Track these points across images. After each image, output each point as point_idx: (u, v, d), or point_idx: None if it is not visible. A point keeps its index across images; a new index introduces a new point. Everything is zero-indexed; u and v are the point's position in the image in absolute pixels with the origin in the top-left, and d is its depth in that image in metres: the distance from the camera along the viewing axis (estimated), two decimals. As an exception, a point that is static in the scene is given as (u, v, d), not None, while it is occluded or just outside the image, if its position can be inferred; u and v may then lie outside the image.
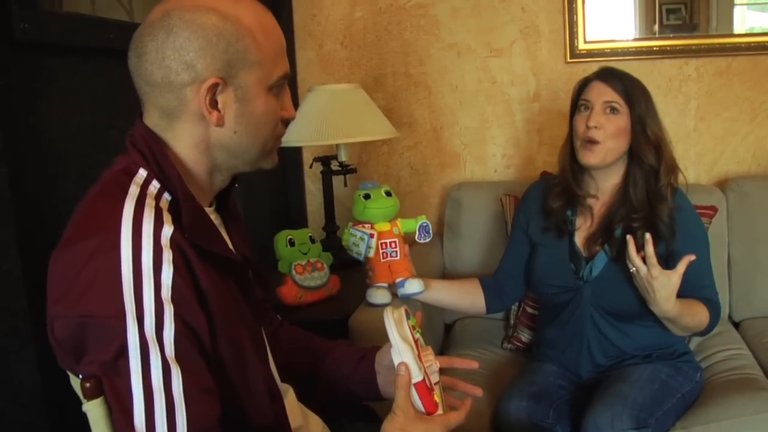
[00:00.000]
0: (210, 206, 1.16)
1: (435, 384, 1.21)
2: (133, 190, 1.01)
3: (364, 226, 1.88)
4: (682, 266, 1.65)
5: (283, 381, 1.29)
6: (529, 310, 2.25)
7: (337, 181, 2.45)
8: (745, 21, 2.59)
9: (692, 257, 1.66)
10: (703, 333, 1.86)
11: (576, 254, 1.89)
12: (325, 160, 2.41)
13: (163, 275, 0.95)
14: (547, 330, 1.98)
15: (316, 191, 2.76)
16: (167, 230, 0.98)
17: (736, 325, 2.37)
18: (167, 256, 0.96)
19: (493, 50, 2.65)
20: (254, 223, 2.37)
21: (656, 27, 2.59)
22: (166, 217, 1.00)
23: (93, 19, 1.64)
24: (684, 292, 1.69)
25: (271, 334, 1.41)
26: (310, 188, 2.82)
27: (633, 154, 1.83)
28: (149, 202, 1.00)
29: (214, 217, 1.15)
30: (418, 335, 1.24)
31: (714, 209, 2.26)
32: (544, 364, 1.94)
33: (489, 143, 2.71)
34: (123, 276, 0.93)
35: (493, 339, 2.31)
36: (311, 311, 2.01)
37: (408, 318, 1.23)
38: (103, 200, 1.02)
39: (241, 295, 1.13)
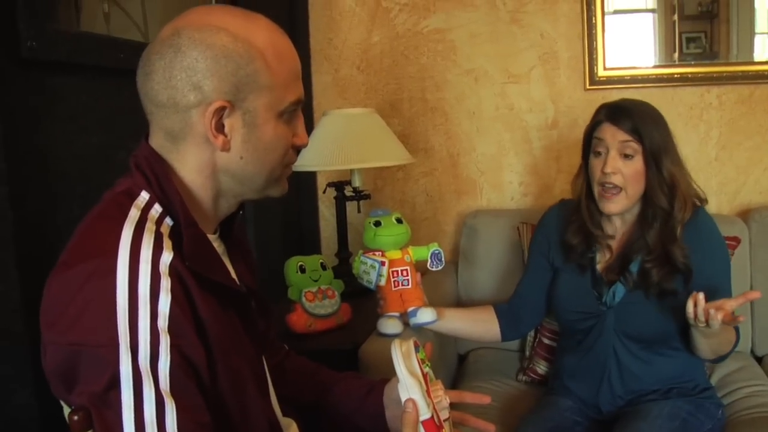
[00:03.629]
0: (214, 233, 1.12)
1: (445, 421, 1.16)
2: (134, 213, 0.98)
3: (375, 254, 1.84)
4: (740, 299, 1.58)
5: (285, 415, 1.24)
6: (546, 341, 2.19)
7: (351, 206, 2.41)
8: (766, 50, 2.53)
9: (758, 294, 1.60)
10: (725, 356, 1.79)
11: (598, 281, 1.85)
12: (339, 186, 2.38)
13: (161, 304, 0.91)
14: (566, 358, 1.92)
15: (330, 217, 2.73)
16: (166, 257, 0.94)
17: (759, 359, 2.29)
18: (165, 283, 0.92)
19: (511, 76, 2.62)
20: (266, 249, 2.34)
21: (676, 55, 2.55)
22: (167, 243, 0.96)
23: (102, 38, 1.62)
24: None
25: (277, 364, 1.38)
26: (324, 214, 2.79)
27: (646, 196, 1.78)
28: (149, 227, 0.97)
29: (217, 245, 1.11)
30: (427, 369, 1.19)
31: (737, 240, 2.20)
32: (560, 399, 1.88)
33: (506, 170, 2.67)
34: (118, 303, 0.89)
35: (507, 371, 2.25)
36: (321, 340, 1.96)
37: (417, 351, 1.18)
38: (102, 223, 0.98)
39: (242, 325, 1.09)
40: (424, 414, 1.09)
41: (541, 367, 2.18)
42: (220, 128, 1.01)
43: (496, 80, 2.63)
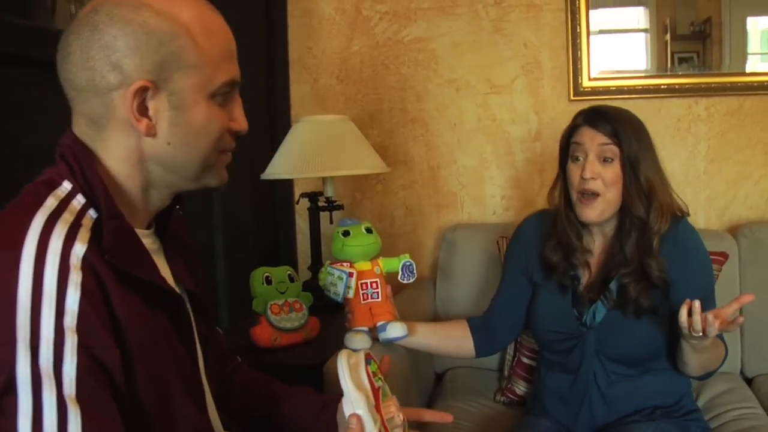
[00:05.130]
0: (148, 228, 1.04)
1: None
2: (50, 203, 0.89)
3: (342, 265, 1.75)
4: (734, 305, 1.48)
5: (227, 429, 1.15)
6: (525, 360, 2.09)
7: (325, 218, 2.32)
8: (758, 67, 2.47)
9: (751, 297, 1.50)
10: (712, 373, 1.70)
11: (579, 300, 1.74)
12: (312, 196, 2.29)
13: (68, 300, 0.82)
14: (545, 379, 1.81)
15: (307, 229, 2.64)
16: (79, 248, 0.85)
17: (749, 381, 2.19)
18: (75, 277, 0.83)
19: (493, 87, 2.55)
20: (234, 259, 2.24)
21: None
22: (82, 235, 0.87)
23: (53, 31, 1.54)
24: None
25: (227, 376, 1.29)
26: (301, 226, 2.70)
27: (623, 205, 1.69)
28: (66, 217, 0.88)
29: (150, 241, 1.03)
30: (380, 383, 1.10)
31: (725, 255, 2.11)
32: (539, 420, 1.78)
33: (488, 184, 2.59)
34: (19, 298, 0.80)
35: (485, 390, 2.15)
36: (286, 355, 1.87)
37: (368, 363, 1.09)
38: (13, 213, 0.90)
39: (173, 329, 0.99)
40: (370, 431, 1.00)
41: (520, 388, 2.08)
42: (143, 111, 0.93)
43: (478, 91, 2.56)
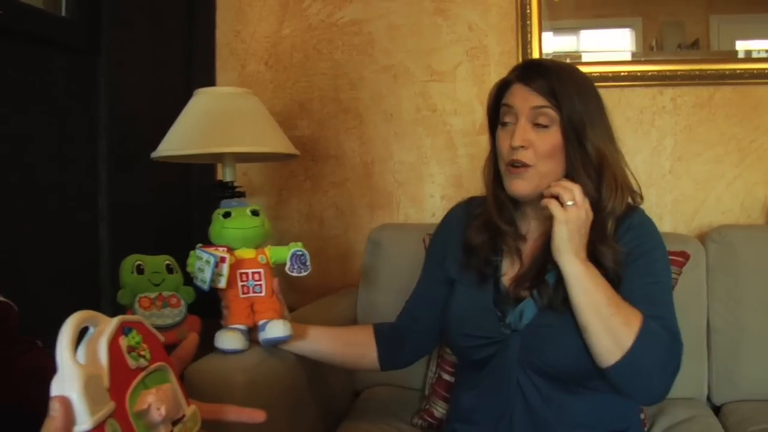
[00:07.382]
0: None
1: None
2: None
3: (217, 249, 1.46)
4: None
5: None
6: (446, 377, 1.77)
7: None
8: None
9: None
10: (650, 369, 1.26)
11: (502, 297, 1.42)
12: (220, 185, 1.99)
13: None
14: (461, 398, 1.48)
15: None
16: None
17: (717, 409, 1.86)
18: None
19: (434, 74, 2.28)
20: (124, 252, 1.95)
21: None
22: None
23: None
24: None
25: (5, 360, 1.01)
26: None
27: (569, 178, 1.37)
28: None
29: None
30: (142, 362, 0.79)
31: (685, 255, 1.79)
32: (450, 446, 1.45)
33: (427, 182, 2.30)
34: None
35: (402, 413, 1.82)
36: (150, 356, 1.56)
37: (125, 333, 0.79)
38: None
39: None
40: (83, 423, 0.68)
41: (439, 410, 1.75)
42: None
43: (417, 78, 2.29)
